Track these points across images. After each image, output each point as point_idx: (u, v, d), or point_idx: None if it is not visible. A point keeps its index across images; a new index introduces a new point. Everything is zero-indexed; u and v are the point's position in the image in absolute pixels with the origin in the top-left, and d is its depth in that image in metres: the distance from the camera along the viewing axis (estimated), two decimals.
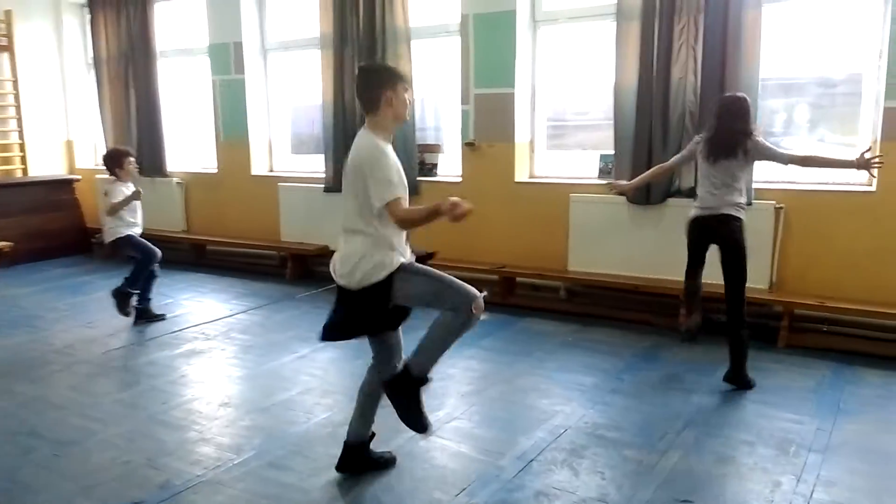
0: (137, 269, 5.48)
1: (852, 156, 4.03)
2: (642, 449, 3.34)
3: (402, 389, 2.94)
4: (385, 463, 3.24)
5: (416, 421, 2.97)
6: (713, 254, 4.17)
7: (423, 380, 2.93)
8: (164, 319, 5.63)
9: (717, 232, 4.08)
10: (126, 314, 5.49)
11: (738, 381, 4.07)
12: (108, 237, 5.56)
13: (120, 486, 3.13)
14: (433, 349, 2.89)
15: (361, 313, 2.95)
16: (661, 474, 3.12)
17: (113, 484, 3.14)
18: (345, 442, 3.20)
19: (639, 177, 4.71)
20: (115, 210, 5.41)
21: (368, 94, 2.90)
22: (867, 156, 3.93)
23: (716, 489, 3.01)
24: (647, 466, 3.19)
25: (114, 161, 5.52)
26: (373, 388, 3.16)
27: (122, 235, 5.49)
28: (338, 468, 3.19)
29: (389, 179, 2.80)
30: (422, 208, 2.84)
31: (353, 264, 2.89)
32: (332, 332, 3.08)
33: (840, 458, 3.25)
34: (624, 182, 4.77)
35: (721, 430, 3.55)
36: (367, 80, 2.98)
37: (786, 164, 4.15)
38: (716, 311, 5.05)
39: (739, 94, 4.24)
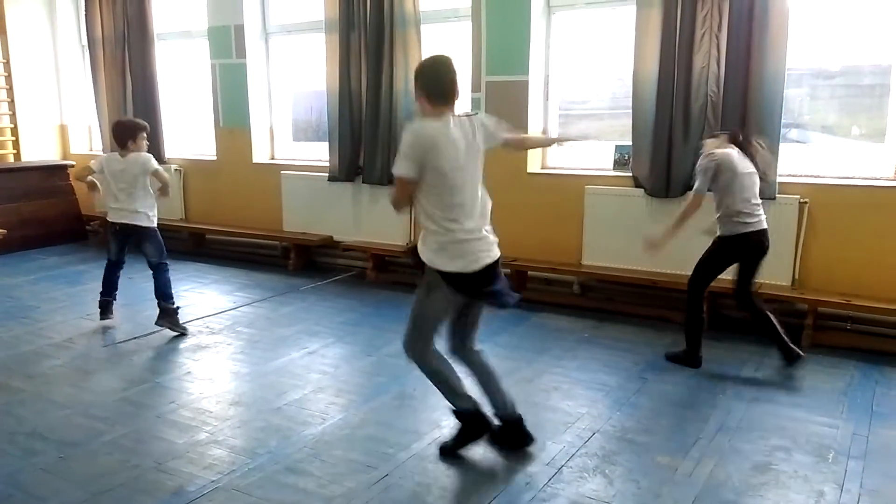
0: (166, 277, 4.94)
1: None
2: (676, 455, 3.21)
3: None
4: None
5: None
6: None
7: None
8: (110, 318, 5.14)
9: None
10: (183, 329, 4.97)
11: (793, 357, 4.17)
12: (148, 221, 4.90)
13: (130, 491, 2.97)
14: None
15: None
16: (699, 483, 2.99)
17: (123, 490, 2.98)
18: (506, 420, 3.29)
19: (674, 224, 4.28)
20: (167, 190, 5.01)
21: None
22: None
23: (758, 500, 2.88)
24: (682, 474, 3.06)
25: (130, 132, 4.84)
26: (481, 365, 3.29)
27: (154, 225, 4.98)
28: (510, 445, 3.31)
29: None
30: None
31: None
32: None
33: (881, 465, 3.14)
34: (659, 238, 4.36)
35: (754, 435, 3.42)
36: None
37: None
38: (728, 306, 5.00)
39: None
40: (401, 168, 2.92)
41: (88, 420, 3.64)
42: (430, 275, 3.02)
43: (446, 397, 3.23)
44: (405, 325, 3.17)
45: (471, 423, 3.21)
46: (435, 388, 3.24)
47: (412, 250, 3.20)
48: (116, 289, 5.19)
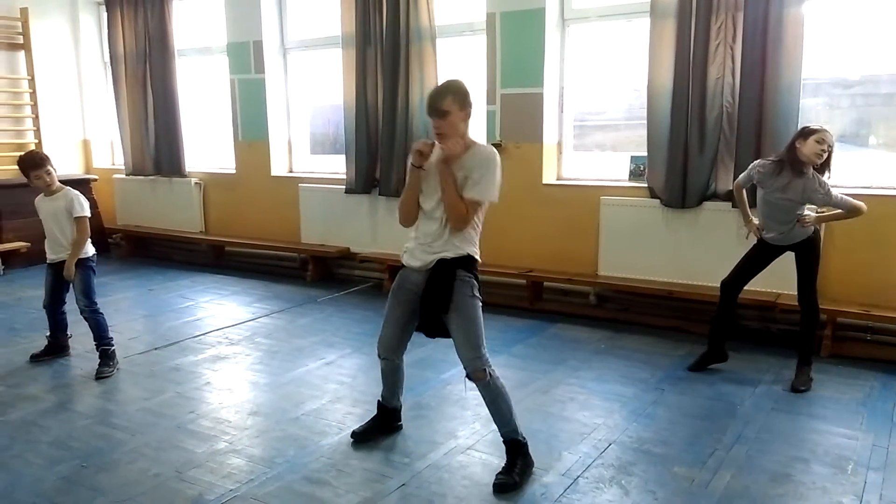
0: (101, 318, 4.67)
1: None
2: (693, 466, 3.21)
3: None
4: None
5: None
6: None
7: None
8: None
9: None
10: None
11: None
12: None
13: (151, 500, 3.01)
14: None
15: None
16: (715, 494, 2.98)
17: (143, 498, 3.02)
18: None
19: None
20: None
21: None
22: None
23: None
24: (699, 485, 3.05)
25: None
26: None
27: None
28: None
29: None
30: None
31: None
32: None
33: None
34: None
35: (772, 446, 3.40)
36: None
37: None
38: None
39: None
40: (495, 195, 3.09)
41: (110, 429, 3.70)
42: (472, 277, 3.16)
43: (507, 419, 3.12)
44: (467, 342, 3.06)
45: (527, 453, 3.16)
46: (496, 410, 3.12)
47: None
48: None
